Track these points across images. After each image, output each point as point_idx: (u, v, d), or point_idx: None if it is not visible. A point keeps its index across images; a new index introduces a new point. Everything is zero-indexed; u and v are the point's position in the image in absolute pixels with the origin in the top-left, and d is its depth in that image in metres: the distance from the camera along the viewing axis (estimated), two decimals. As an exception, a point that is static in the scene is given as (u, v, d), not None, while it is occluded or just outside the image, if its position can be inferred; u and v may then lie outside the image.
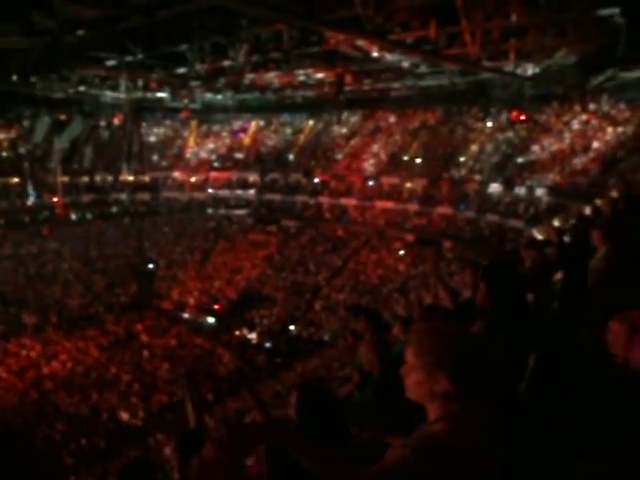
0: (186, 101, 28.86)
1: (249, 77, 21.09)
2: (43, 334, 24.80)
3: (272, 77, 22.26)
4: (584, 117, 28.02)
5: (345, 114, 37.29)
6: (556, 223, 15.60)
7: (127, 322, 26.66)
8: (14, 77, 17.40)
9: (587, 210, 11.47)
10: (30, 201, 32.96)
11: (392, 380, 2.73)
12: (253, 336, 25.99)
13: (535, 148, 29.29)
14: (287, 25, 13.77)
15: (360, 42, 14.99)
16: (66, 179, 32.54)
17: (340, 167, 35.83)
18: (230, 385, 20.19)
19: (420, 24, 11.90)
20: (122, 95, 22.77)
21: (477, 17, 11.03)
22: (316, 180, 35.96)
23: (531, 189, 27.17)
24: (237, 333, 26.25)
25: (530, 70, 18.89)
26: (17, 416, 17.26)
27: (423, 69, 20.39)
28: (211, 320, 27.78)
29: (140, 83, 22.25)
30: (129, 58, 16.03)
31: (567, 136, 28.24)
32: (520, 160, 29.39)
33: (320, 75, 21.92)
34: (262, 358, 23.48)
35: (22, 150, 32.95)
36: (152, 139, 39.64)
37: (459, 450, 1.38)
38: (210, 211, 37.96)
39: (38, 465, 1.40)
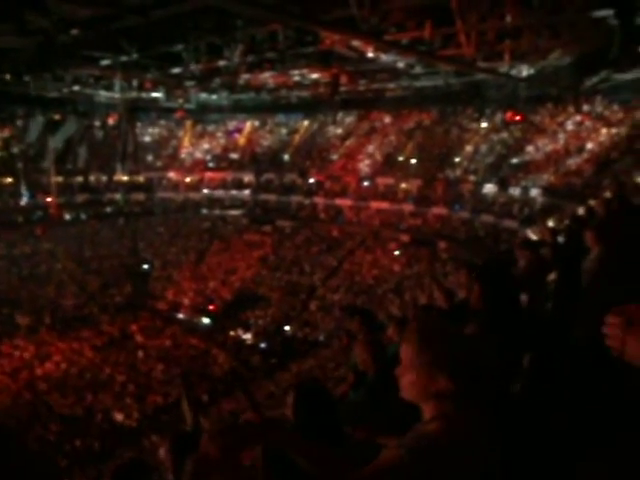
0: (181, 101, 28.79)
1: (244, 77, 21.05)
2: (37, 335, 24.68)
3: (267, 77, 22.22)
4: (578, 118, 28.16)
5: (340, 114, 37.36)
6: (550, 223, 15.66)
7: (121, 323, 26.57)
8: (7, 76, 17.30)
9: (581, 211, 11.52)
10: (23, 201, 32.80)
11: (386, 380, 2.74)
12: (248, 336, 25.97)
13: (529, 149, 29.41)
14: (282, 25, 13.75)
15: (355, 42, 15.00)
16: (60, 179, 32.43)
17: (335, 167, 35.85)
18: (225, 386, 20.16)
19: (415, 25, 11.90)
20: (116, 95, 22.65)
21: (472, 18, 11.05)
22: (311, 180, 35.96)
23: (525, 189, 27.28)
24: (232, 333, 26.21)
25: (525, 71, 18.94)
26: (10, 417, 17.16)
27: (418, 70, 20.40)
28: (206, 320, 27.73)
29: (135, 83, 22.15)
30: (124, 58, 15.94)
31: (561, 137, 28.37)
32: (514, 161, 29.51)
33: (315, 75, 21.90)
34: (257, 358, 23.47)
35: (15, 150, 32.74)
36: (147, 139, 39.52)
37: (454, 450, 1.39)
38: (205, 211, 37.88)
39: (31, 466, 1.39)
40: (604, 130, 26.65)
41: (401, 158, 33.84)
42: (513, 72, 18.53)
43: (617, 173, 21.52)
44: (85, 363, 22.22)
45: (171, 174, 39.03)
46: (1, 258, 30.66)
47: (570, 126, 28.49)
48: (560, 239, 6.84)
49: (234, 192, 38.00)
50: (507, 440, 1.94)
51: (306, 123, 39.53)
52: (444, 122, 34.21)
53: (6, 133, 33.30)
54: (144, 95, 24.87)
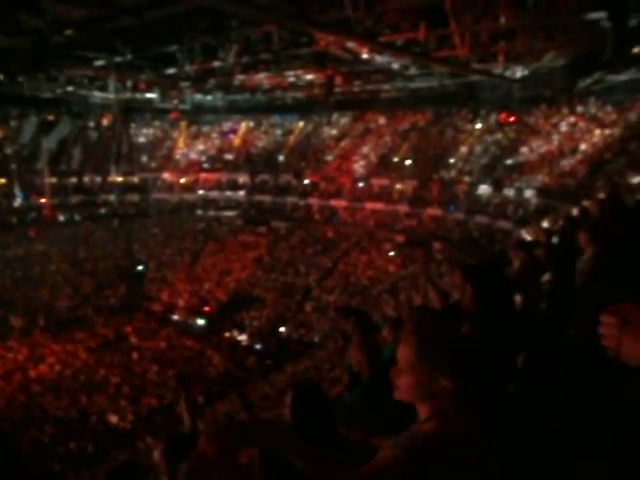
0: (175, 102, 28.75)
1: (239, 78, 21.05)
2: (30, 337, 24.56)
3: (262, 78, 22.23)
4: (572, 119, 28.29)
5: (335, 115, 37.37)
6: (545, 224, 15.72)
7: (116, 324, 26.48)
8: (1, 77, 17.21)
9: (575, 211, 11.57)
10: (17, 202, 32.60)
11: (381, 381, 2.73)
12: (243, 338, 25.93)
13: (524, 150, 29.52)
14: (277, 26, 13.76)
15: (350, 44, 15.03)
16: (54, 180, 32.32)
17: (330, 168, 35.86)
18: (220, 387, 20.12)
19: (410, 26, 11.94)
20: (111, 96, 22.59)
21: (466, 20, 11.08)
22: (306, 181, 35.95)
23: (520, 190, 27.37)
24: (227, 335, 26.17)
25: (519, 72, 19.03)
26: (4, 420, 17.05)
27: (413, 71, 20.46)
28: (201, 322, 27.66)
29: (129, 84, 22.10)
30: (118, 58, 15.91)
31: (555, 138, 28.49)
32: (509, 162, 29.61)
33: (310, 76, 21.93)
34: (252, 360, 23.42)
35: (9, 150, 32.55)
36: (141, 140, 39.41)
37: (450, 449, 1.39)
38: (200, 212, 37.78)
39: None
40: (598, 131, 26.80)
41: (396, 159, 33.89)
42: (507, 73, 18.62)
43: (610, 174, 21.63)
44: (79, 365, 22.11)
45: (166, 175, 38.92)
46: (-5, 259, 30.49)
47: (564, 127, 28.63)
48: (554, 240, 6.86)
49: (229, 193, 37.95)
50: (504, 440, 1.94)
51: (301, 124, 39.54)
52: (439, 123, 34.30)
53: (-1, 134, 33.15)
54: (138, 96, 24.81)
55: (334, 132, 38.35)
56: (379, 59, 17.52)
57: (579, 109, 27.95)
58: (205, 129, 41.46)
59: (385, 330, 4.65)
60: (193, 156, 40.24)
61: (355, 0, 9.95)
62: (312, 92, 26.28)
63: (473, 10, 10.81)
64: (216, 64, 16.80)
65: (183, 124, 39.69)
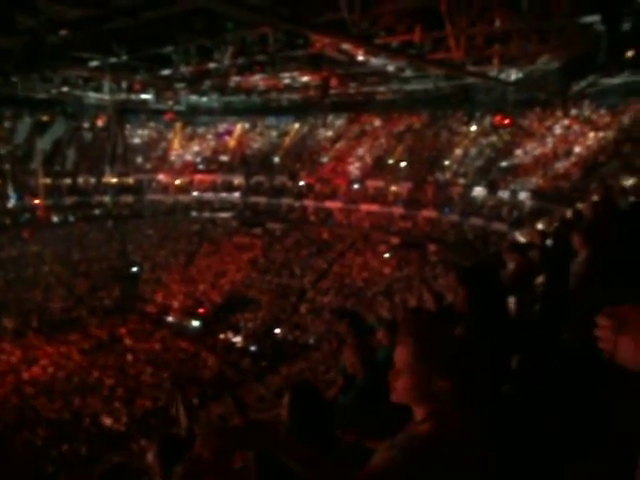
0: (171, 103, 28.67)
1: (234, 79, 21.05)
2: (24, 338, 24.41)
3: (258, 80, 22.23)
4: (566, 122, 28.44)
5: (330, 117, 37.45)
6: (539, 226, 15.80)
7: (110, 326, 26.36)
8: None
9: (569, 214, 11.62)
10: (11, 203, 32.41)
11: (375, 384, 2.73)
12: (238, 339, 25.88)
13: (518, 152, 29.63)
14: (273, 28, 13.76)
15: (346, 46, 15.05)
16: (48, 181, 32.20)
17: (325, 170, 35.88)
18: (215, 389, 20.06)
19: (405, 29, 11.97)
20: (106, 96, 22.53)
21: (461, 22, 11.12)
22: (301, 183, 35.94)
23: (514, 193, 27.47)
24: (222, 336, 26.10)
25: (513, 75, 19.11)
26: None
27: (408, 73, 20.51)
28: (196, 323, 27.59)
29: (124, 84, 22.05)
30: (113, 59, 15.87)
31: (549, 141, 28.62)
32: (504, 164, 29.71)
33: (306, 78, 21.95)
34: (247, 361, 23.38)
35: (3, 151, 32.35)
36: (136, 141, 39.30)
37: (448, 449, 1.39)
38: (195, 214, 37.72)
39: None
40: (591, 134, 26.94)
41: (391, 161, 33.94)
42: (502, 76, 18.69)
43: (604, 177, 21.74)
44: (73, 367, 22.00)
45: (161, 176, 38.82)
46: (-12, 261, 30.31)
47: (558, 130, 28.76)
48: (548, 242, 6.89)
49: (224, 194, 37.89)
50: (499, 441, 1.94)
51: (296, 126, 39.55)
52: (434, 125, 34.39)
53: (-7, 134, 32.98)
54: (133, 97, 24.77)
55: (329, 134, 38.38)
56: (374, 61, 17.55)
57: (573, 112, 28.11)
58: (200, 130, 41.41)
59: (380, 332, 4.64)
60: (188, 157, 40.16)
61: (351, 2, 9.96)
62: (307, 94, 26.32)
63: (468, 13, 10.85)
64: (211, 65, 16.79)
65: (178, 125, 39.61)
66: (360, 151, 36.07)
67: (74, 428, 17.61)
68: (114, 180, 36.14)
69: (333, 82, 20.41)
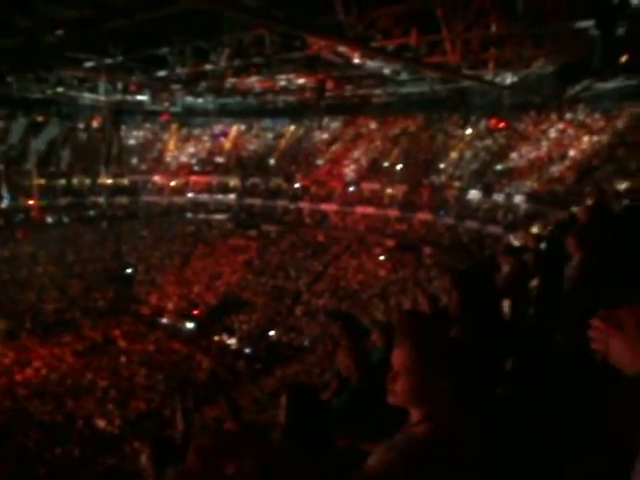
0: (166, 104, 28.65)
1: (230, 81, 21.04)
2: (17, 340, 24.23)
3: (253, 82, 22.25)
4: (561, 126, 28.59)
5: (326, 120, 37.52)
6: (535, 230, 15.85)
7: (104, 327, 26.21)
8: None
9: (564, 217, 11.67)
10: (5, 204, 32.25)
11: (370, 386, 2.73)
12: (233, 341, 25.82)
13: (513, 156, 29.75)
14: (269, 30, 13.78)
15: (342, 48, 15.08)
16: (42, 181, 32.07)
17: (321, 172, 35.90)
18: (209, 392, 19.99)
19: (401, 32, 12.02)
20: (101, 97, 22.48)
21: (457, 27, 11.18)
22: (297, 185, 35.94)
23: (509, 196, 27.57)
24: (216, 338, 26.03)
25: (509, 79, 19.21)
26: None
27: (404, 76, 20.58)
28: (190, 325, 27.50)
29: (120, 85, 22.00)
30: (109, 60, 15.85)
31: (544, 144, 28.75)
32: (499, 167, 29.81)
33: (301, 80, 21.98)
34: (242, 364, 23.31)
35: (-3, 151, 32.27)
36: (131, 142, 39.18)
37: (444, 452, 1.39)
38: (190, 215, 37.63)
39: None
40: (586, 138, 27.08)
41: (386, 164, 34.01)
42: (497, 80, 18.78)
43: (598, 180, 21.84)
44: (66, 369, 21.85)
45: (156, 177, 38.74)
46: (-19, 261, 30.11)
47: (553, 134, 28.90)
48: (542, 245, 6.91)
49: (219, 196, 37.84)
50: (494, 444, 1.95)
51: (292, 128, 39.58)
52: (429, 128, 34.48)
53: (-13, 134, 32.81)
54: (129, 98, 24.70)
55: (325, 136, 38.42)
56: (370, 64, 17.59)
57: (568, 116, 28.27)
58: (196, 132, 41.36)
59: (374, 334, 4.64)
60: (183, 159, 40.10)
61: (347, 5, 9.99)
62: (303, 96, 26.33)
63: (464, 17, 10.91)
64: (208, 67, 16.80)
65: (174, 127, 39.59)
66: (356, 154, 36.11)
67: (67, 430, 17.48)
68: (109, 181, 36.04)
69: (329, 84, 20.46)
